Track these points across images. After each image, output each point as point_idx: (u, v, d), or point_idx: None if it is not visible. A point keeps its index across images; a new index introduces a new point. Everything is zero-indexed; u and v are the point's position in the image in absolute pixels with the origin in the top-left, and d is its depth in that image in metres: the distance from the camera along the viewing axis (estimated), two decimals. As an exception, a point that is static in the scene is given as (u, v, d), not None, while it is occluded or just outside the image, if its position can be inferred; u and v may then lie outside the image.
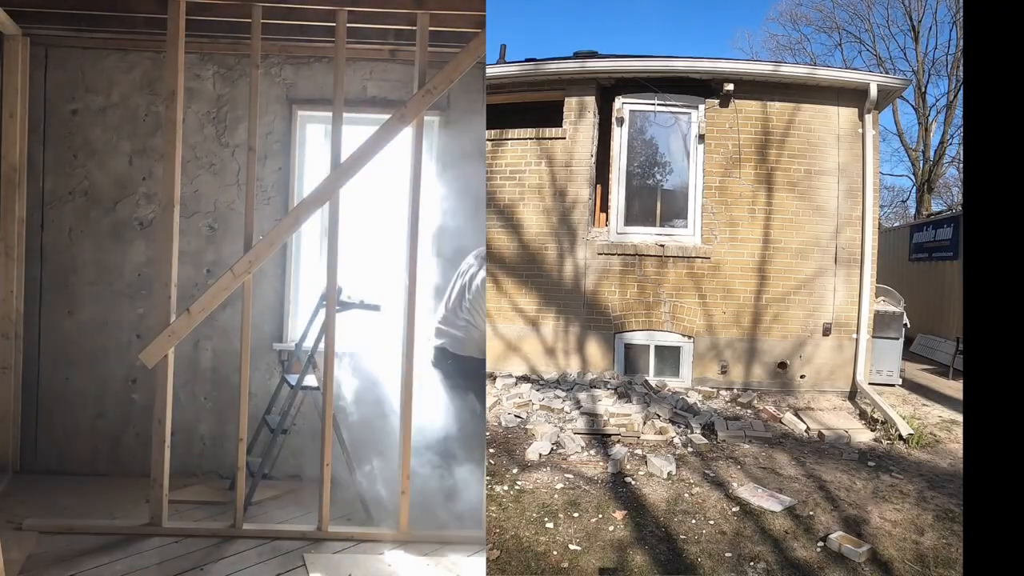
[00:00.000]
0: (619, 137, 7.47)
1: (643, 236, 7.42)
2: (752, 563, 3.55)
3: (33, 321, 4.71)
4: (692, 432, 5.63)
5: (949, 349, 9.25)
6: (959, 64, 20.02)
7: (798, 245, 7.22)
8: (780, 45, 25.97)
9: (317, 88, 4.87)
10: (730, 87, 7.09)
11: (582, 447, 5.28)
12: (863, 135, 7.20)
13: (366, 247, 4.92)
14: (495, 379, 7.09)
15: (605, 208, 7.66)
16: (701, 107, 7.33)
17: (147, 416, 4.52)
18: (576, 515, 4.09)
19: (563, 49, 50.34)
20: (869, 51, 23.59)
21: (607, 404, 6.08)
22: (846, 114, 7.26)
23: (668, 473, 4.74)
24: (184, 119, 4.08)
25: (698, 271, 7.24)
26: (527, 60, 8.26)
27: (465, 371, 4.36)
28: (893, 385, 7.72)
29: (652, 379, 7.14)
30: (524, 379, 7.19)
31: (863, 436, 5.74)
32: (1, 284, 4.51)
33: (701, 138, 7.29)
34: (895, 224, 21.96)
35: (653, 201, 7.75)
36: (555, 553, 3.62)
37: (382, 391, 4.39)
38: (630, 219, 7.54)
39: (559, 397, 6.44)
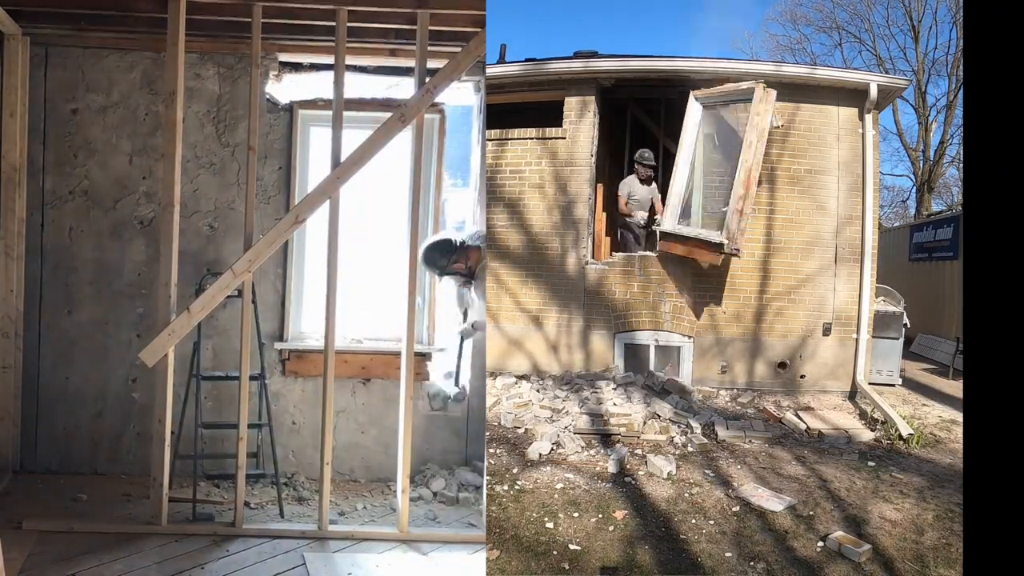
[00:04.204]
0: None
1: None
2: (752, 563, 3.55)
3: (33, 320, 4.70)
4: (692, 432, 5.63)
5: (949, 349, 9.25)
6: (959, 64, 20.00)
7: (799, 244, 7.21)
8: (780, 45, 25.93)
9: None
10: (730, 87, 7.08)
11: (582, 447, 5.28)
12: (863, 135, 7.19)
13: (365, 246, 4.92)
14: (496, 378, 7.08)
15: (606, 208, 7.65)
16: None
17: (147, 415, 4.52)
18: (576, 515, 4.09)
19: (563, 49, 50.29)
20: (869, 51, 23.58)
21: (608, 404, 6.07)
22: (846, 114, 7.24)
23: (668, 473, 4.74)
24: (184, 119, 4.08)
25: (699, 270, 7.23)
26: (527, 60, 8.25)
27: None
28: (893, 385, 7.72)
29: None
30: (525, 378, 7.19)
31: (863, 436, 5.73)
32: (1, 283, 4.51)
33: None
34: (895, 224, 21.95)
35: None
36: (555, 553, 3.62)
37: None
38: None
39: (559, 397, 6.43)
